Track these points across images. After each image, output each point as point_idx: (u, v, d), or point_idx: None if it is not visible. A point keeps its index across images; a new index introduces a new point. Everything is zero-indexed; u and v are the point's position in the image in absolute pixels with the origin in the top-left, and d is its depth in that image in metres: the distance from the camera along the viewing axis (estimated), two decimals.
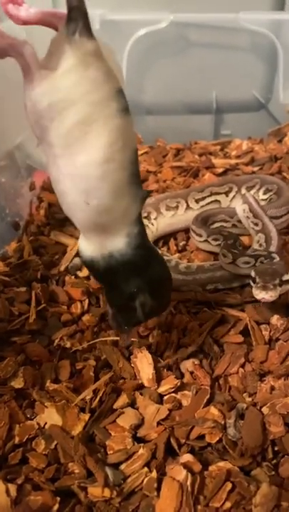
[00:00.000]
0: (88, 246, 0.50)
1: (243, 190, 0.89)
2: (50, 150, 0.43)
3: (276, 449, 0.52)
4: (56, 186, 0.46)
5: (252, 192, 0.90)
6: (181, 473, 0.47)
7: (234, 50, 1.17)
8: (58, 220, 0.93)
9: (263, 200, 0.89)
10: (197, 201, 0.89)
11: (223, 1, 1.12)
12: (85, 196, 0.44)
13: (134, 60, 1.10)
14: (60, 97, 0.40)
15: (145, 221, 0.85)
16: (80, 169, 0.43)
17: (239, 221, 0.84)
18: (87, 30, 0.40)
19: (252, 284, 0.64)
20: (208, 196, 0.90)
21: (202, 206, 0.90)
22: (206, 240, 0.82)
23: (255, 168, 1.05)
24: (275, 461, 0.51)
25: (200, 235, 0.83)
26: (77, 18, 0.40)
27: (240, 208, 0.83)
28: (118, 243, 0.48)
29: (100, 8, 1.06)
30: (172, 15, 1.06)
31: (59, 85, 0.40)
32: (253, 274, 0.65)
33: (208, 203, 0.90)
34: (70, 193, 0.45)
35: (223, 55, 1.16)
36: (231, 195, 0.91)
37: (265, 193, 0.90)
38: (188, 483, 0.46)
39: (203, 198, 0.90)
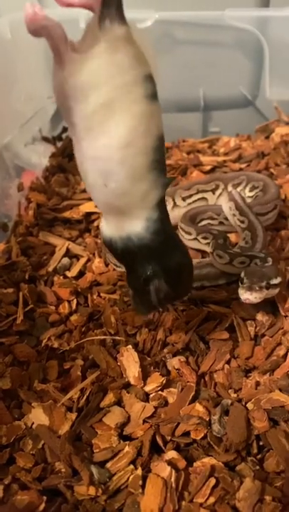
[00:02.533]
0: (107, 226, 0.51)
1: (230, 188, 0.89)
2: (75, 131, 0.45)
3: (261, 443, 0.53)
4: (79, 166, 0.47)
5: (238, 189, 0.90)
6: (166, 470, 0.47)
7: (220, 47, 1.17)
8: (46, 220, 0.93)
9: (249, 197, 0.90)
10: (184, 199, 0.90)
11: None
12: (104, 178, 0.45)
13: None
14: (85, 80, 0.41)
15: None
16: (101, 152, 0.44)
17: (226, 218, 0.85)
18: (119, 17, 0.41)
19: (240, 284, 0.64)
20: (195, 194, 0.91)
21: (189, 204, 0.90)
22: (195, 238, 0.82)
23: (243, 165, 1.06)
24: (260, 455, 0.52)
25: (189, 233, 0.83)
26: (110, 4, 0.41)
27: (226, 205, 0.83)
28: (136, 227, 0.49)
29: None
30: (157, 13, 1.06)
31: (85, 68, 0.41)
32: (242, 274, 0.65)
33: (194, 201, 0.91)
34: (90, 174, 0.46)
35: (210, 52, 1.16)
36: (218, 192, 0.91)
37: (251, 190, 0.90)
38: (173, 479, 0.47)
39: (190, 196, 0.90)
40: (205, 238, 0.81)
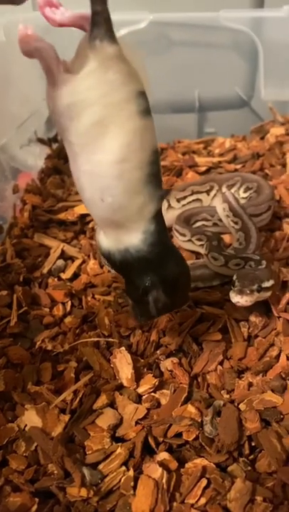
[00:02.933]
0: (105, 239, 0.51)
1: (224, 189, 0.90)
2: (70, 148, 0.45)
3: (253, 444, 0.53)
4: (76, 182, 0.48)
5: (233, 190, 0.90)
6: (157, 472, 0.48)
7: (216, 48, 1.17)
8: (41, 222, 0.93)
9: (243, 198, 0.90)
10: (178, 200, 0.90)
11: None
12: (100, 193, 0.46)
13: None
14: (78, 99, 0.42)
15: None
16: (97, 167, 0.45)
17: (220, 220, 0.85)
18: (109, 35, 0.42)
19: (231, 287, 0.64)
20: (190, 195, 0.91)
21: (183, 205, 0.90)
22: (189, 240, 0.82)
23: (238, 166, 1.06)
24: (252, 456, 0.52)
25: (184, 235, 0.83)
26: (99, 23, 0.42)
27: (220, 206, 0.83)
28: (134, 239, 0.49)
29: (79, 9, 1.06)
30: (152, 15, 1.06)
31: (78, 88, 0.42)
32: (234, 277, 0.65)
33: (189, 202, 0.91)
34: (87, 190, 0.47)
35: (205, 53, 1.16)
36: (212, 193, 0.91)
37: (245, 191, 0.91)
38: (164, 480, 0.47)
39: (185, 198, 0.91)
40: (199, 240, 0.81)
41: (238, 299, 0.61)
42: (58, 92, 0.42)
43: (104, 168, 0.44)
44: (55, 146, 1.16)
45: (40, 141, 1.13)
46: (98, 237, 0.53)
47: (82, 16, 0.43)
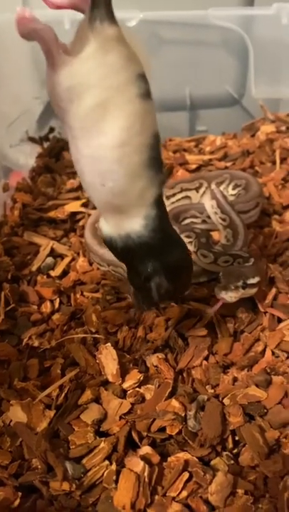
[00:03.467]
0: (106, 225, 0.51)
1: (213, 186, 0.90)
2: (70, 131, 0.45)
3: (237, 438, 0.53)
4: (76, 166, 0.47)
5: (221, 187, 0.91)
6: (139, 465, 0.48)
7: (206, 46, 1.17)
8: (31, 220, 0.93)
9: (232, 195, 0.90)
10: (168, 198, 0.90)
11: None
12: (100, 178, 0.46)
13: None
14: (78, 81, 0.42)
15: None
16: (97, 151, 0.44)
17: (209, 217, 0.85)
18: (109, 16, 0.42)
19: (217, 283, 0.64)
20: (179, 192, 0.91)
21: (172, 203, 0.91)
22: None
23: (228, 164, 1.06)
24: (235, 450, 0.53)
25: None
26: (99, 5, 0.41)
27: (208, 203, 0.84)
28: (135, 225, 0.49)
29: None
30: (142, 13, 1.07)
31: (78, 70, 0.42)
32: (220, 274, 0.65)
33: (178, 199, 0.91)
34: (87, 174, 0.47)
35: (196, 51, 1.16)
36: (201, 191, 0.92)
37: (234, 189, 0.91)
38: (146, 474, 0.47)
39: (174, 195, 0.91)
40: (188, 237, 0.81)
41: (222, 294, 0.62)
42: (57, 74, 0.42)
43: (104, 151, 0.44)
44: (46, 144, 1.16)
45: (32, 139, 1.14)
46: (100, 223, 0.52)
47: None
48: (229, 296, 0.61)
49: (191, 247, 0.79)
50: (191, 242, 0.79)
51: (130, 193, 0.47)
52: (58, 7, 0.44)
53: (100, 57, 0.42)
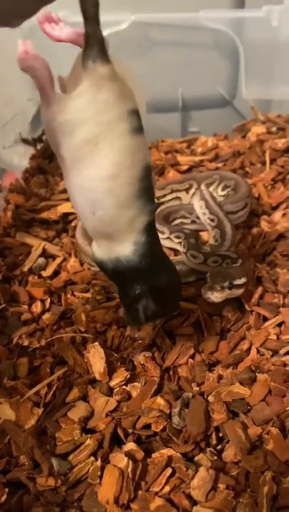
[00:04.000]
0: (98, 249, 0.53)
1: (202, 187, 0.91)
2: (63, 162, 0.47)
3: (220, 435, 0.55)
4: (69, 195, 0.49)
5: (211, 188, 0.92)
6: (123, 461, 0.49)
7: (197, 48, 1.18)
8: (24, 221, 0.94)
9: (221, 196, 0.91)
10: (158, 199, 0.91)
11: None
12: (91, 207, 0.47)
13: None
14: (70, 117, 0.44)
15: None
16: (87, 182, 0.46)
17: (198, 217, 0.87)
18: (102, 56, 0.43)
19: (204, 284, 0.65)
20: (169, 193, 0.92)
21: (163, 203, 0.92)
22: (168, 237, 0.84)
23: (219, 164, 1.08)
24: (219, 447, 0.54)
25: (162, 232, 0.85)
26: (92, 45, 0.43)
27: (197, 204, 0.85)
28: (125, 250, 0.51)
29: (62, 10, 1.07)
30: (133, 15, 1.08)
31: (70, 107, 0.44)
32: (207, 274, 0.67)
33: (168, 200, 0.92)
34: (78, 203, 0.48)
35: (187, 53, 1.18)
36: (191, 191, 0.93)
37: (223, 189, 0.92)
38: (129, 469, 0.49)
39: (164, 196, 0.92)
40: (178, 237, 0.82)
41: (208, 295, 0.63)
42: (51, 110, 0.44)
43: (94, 183, 0.46)
44: (39, 146, 1.17)
45: (25, 141, 1.15)
46: (92, 247, 0.54)
47: (79, 33, 0.45)
48: (215, 296, 0.62)
49: (180, 248, 0.80)
50: (180, 243, 0.80)
51: (119, 221, 0.49)
52: (58, 40, 0.46)
53: (92, 94, 0.43)
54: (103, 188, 0.46)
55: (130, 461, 0.49)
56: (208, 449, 0.53)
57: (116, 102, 0.44)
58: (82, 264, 0.83)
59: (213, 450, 0.53)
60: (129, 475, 0.48)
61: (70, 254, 0.86)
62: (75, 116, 0.44)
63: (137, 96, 0.46)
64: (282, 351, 0.63)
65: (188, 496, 0.48)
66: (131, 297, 0.54)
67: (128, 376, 0.59)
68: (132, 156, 0.45)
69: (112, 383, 0.60)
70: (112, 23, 1.09)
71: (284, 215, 0.90)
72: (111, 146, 0.44)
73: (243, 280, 0.66)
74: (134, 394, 0.58)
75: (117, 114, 0.44)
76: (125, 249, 0.51)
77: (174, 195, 0.93)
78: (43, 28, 0.46)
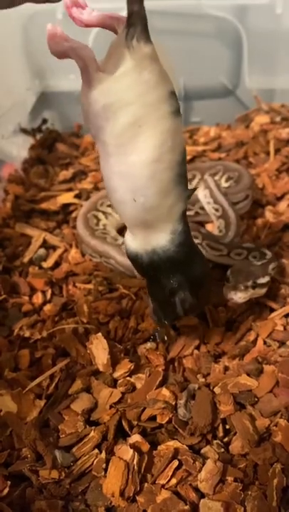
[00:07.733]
0: (133, 241, 0.51)
1: (207, 176, 0.89)
2: (104, 148, 0.45)
3: (227, 427, 0.53)
4: (106, 183, 0.48)
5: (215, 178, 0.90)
6: (128, 453, 0.48)
7: (200, 36, 1.16)
8: (23, 212, 0.93)
9: (224, 187, 0.90)
10: None
11: None
12: (132, 194, 0.46)
13: (98, 51, 1.09)
14: (115, 99, 0.42)
15: (111, 209, 0.85)
16: (130, 168, 0.45)
17: (202, 208, 0.85)
18: (145, 35, 0.41)
19: (225, 282, 0.63)
20: None
21: None
22: None
23: (222, 155, 1.06)
24: (226, 439, 0.53)
25: None
26: (136, 23, 0.41)
27: (201, 193, 0.83)
28: (162, 240, 0.50)
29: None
30: None
31: (115, 88, 0.42)
32: (228, 272, 0.64)
33: None
34: (119, 190, 0.47)
35: (189, 41, 1.15)
36: (195, 182, 0.91)
37: (227, 181, 0.91)
38: (135, 462, 0.47)
39: None
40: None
41: (232, 295, 0.60)
42: (93, 91, 0.42)
43: (137, 168, 0.44)
44: (38, 136, 1.16)
45: (24, 131, 1.13)
46: (125, 240, 0.53)
47: (110, 16, 0.43)
48: (239, 297, 0.60)
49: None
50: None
51: (160, 208, 0.48)
52: (87, 25, 0.44)
53: (136, 75, 0.42)
54: (146, 173, 0.45)
55: (136, 453, 0.48)
56: (214, 441, 0.52)
57: (158, 82, 0.42)
58: (83, 255, 0.82)
59: (220, 442, 0.52)
60: (135, 467, 0.47)
61: (70, 245, 0.84)
62: (120, 97, 0.42)
63: (172, 78, 0.45)
64: None
65: (196, 489, 0.47)
66: (167, 290, 0.52)
67: (132, 367, 0.58)
68: (173, 139, 0.44)
69: (116, 374, 0.58)
70: (113, 11, 1.06)
71: None
72: (155, 128, 0.43)
73: (266, 279, 0.64)
74: (138, 385, 0.57)
75: (159, 95, 0.43)
76: (162, 239, 0.50)
77: None
78: (71, 13, 0.43)
